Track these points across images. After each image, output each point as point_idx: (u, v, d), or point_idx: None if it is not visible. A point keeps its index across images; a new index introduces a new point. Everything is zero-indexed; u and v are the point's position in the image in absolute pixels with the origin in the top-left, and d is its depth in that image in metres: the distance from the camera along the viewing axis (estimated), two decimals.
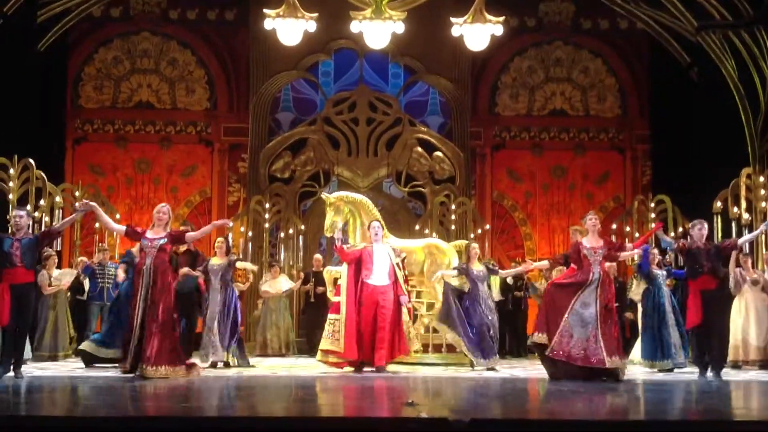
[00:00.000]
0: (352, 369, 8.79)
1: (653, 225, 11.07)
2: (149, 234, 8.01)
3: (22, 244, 7.74)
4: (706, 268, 8.41)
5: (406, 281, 9.23)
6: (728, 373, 8.74)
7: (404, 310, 9.02)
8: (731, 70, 13.43)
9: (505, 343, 12.88)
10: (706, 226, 8.72)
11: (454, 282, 9.90)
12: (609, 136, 15.85)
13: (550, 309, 8.22)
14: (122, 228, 8.39)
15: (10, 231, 8.22)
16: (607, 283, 8.22)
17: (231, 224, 9.91)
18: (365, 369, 8.81)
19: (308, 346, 12.60)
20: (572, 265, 8.49)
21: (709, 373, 8.34)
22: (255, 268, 11.42)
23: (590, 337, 7.96)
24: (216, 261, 9.71)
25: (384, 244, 9.19)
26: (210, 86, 15.75)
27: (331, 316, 8.97)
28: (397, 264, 9.03)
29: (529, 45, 16.03)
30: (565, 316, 8.04)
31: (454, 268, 9.95)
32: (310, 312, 12.76)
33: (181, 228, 10.36)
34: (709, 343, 8.46)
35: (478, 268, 9.78)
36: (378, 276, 8.91)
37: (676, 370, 9.34)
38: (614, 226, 14.48)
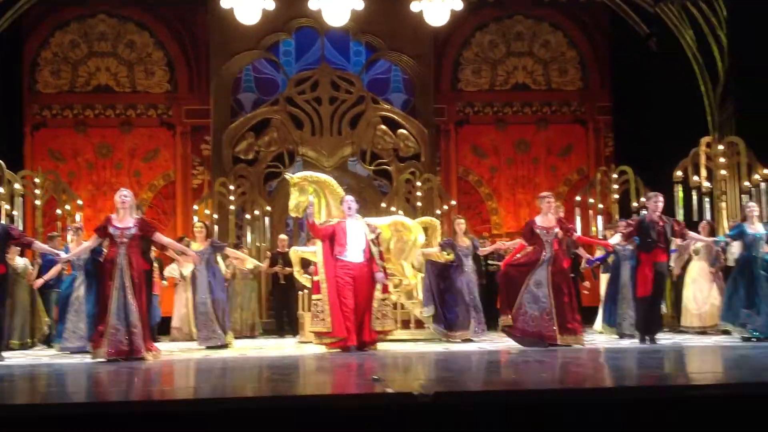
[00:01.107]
0: (346, 349, 8.38)
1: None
2: (116, 223, 7.92)
3: None
4: (659, 241, 8.62)
5: (382, 258, 8.91)
6: (673, 338, 9.14)
7: (378, 287, 8.73)
8: (690, 41, 13.57)
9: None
10: (661, 199, 8.88)
11: (439, 257, 10.06)
12: (571, 109, 15.95)
13: (507, 289, 8.58)
14: (94, 241, 8.30)
15: None
16: (559, 261, 8.51)
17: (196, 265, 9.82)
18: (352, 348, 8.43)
19: (277, 327, 12.62)
20: (522, 242, 8.84)
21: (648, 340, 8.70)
22: (247, 258, 11.37)
23: (543, 315, 8.34)
24: (196, 246, 9.70)
25: (358, 220, 8.82)
26: (170, 68, 15.55)
27: (314, 297, 8.77)
28: (373, 240, 8.69)
29: (489, 19, 16.03)
30: (520, 294, 8.41)
31: (439, 244, 10.07)
32: (279, 293, 12.76)
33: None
34: (654, 312, 8.73)
35: (464, 242, 9.91)
36: (353, 252, 8.54)
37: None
38: (578, 198, 14.62)
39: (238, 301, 12.56)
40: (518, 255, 8.92)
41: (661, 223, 8.65)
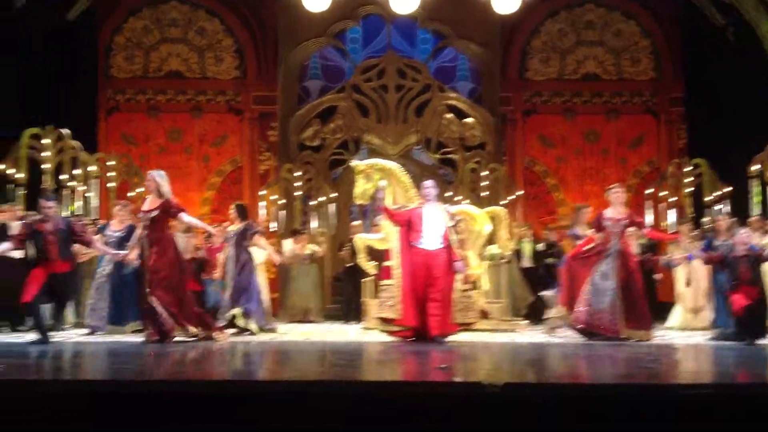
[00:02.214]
0: (413, 338, 8.07)
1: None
2: (144, 205, 8.05)
3: (58, 237, 7.85)
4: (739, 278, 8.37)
5: (462, 246, 8.39)
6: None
7: (459, 277, 8.23)
8: (766, 31, 13.11)
9: (537, 309, 12.90)
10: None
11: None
12: (643, 99, 15.62)
13: (571, 281, 8.43)
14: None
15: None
16: (627, 254, 8.31)
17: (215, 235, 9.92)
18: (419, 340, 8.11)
19: (344, 313, 12.68)
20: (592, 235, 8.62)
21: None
22: (270, 250, 11.14)
23: (608, 308, 8.16)
24: (232, 228, 9.80)
25: (436, 205, 8.29)
26: (239, 55, 15.73)
27: (383, 282, 8.50)
28: (452, 228, 8.15)
29: (560, 7, 15.79)
30: (584, 286, 8.26)
31: (569, 234, 9.72)
32: (347, 279, 12.79)
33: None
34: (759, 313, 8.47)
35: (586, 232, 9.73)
36: (429, 239, 8.05)
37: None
38: (649, 191, 14.30)
39: (294, 286, 12.67)
40: (585, 247, 8.75)
41: (744, 256, 8.30)
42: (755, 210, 12.06)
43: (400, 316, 8.02)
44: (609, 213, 8.53)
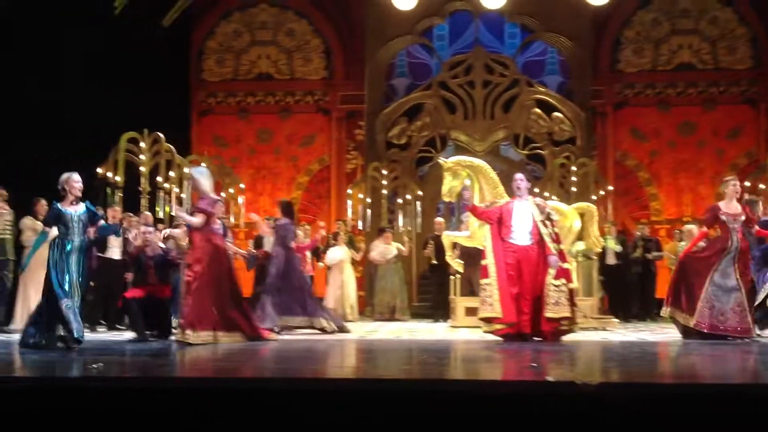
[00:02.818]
0: (518, 336, 7.82)
1: None
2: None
3: (155, 261, 8.17)
4: None
5: (557, 240, 8.10)
6: None
7: (551, 271, 7.84)
8: None
9: (630, 306, 12.66)
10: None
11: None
12: (741, 88, 15.03)
13: (685, 281, 8.01)
14: None
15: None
16: (745, 251, 7.90)
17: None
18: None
19: (431, 311, 12.66)
20: (704, 229, 8.24)
21: None
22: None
23: (735, 307, 7.76)
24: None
25: (526, 200, 8.15)
26: (326, 55, 15.89)
27: (482, 281, 8.25)
28: (544, 221, 7.98)
29: None
30: (705, 286, 7.82)
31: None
32: (433, 276, 12.78)
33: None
34: None
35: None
36: (519, 234, 7.95)
37: None
38: (747, 184, 13.74)
39: (381, 285, 12.74)
40: (701, 243, 8.33)
41: None
42: None
43: (500, 314, 7.85)
44: (724, 207, 8.06)
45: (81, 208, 7.09)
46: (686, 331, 8.04)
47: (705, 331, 7.83)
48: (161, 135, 12.81)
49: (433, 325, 11.36)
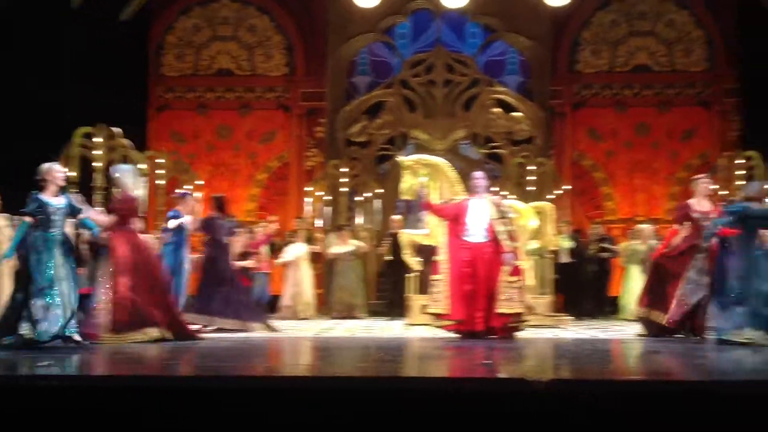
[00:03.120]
0: (463, 332, 7.95)
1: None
2: None
3: None
4: None
5: (513, 238, 8.18)
6: None
7: (506, 269, 7.90)
8: None
9: (583, 304, 12.83)
10: None
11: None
12: (695, 90, 15.29)
13: (660, 281, 8.02)
14: None
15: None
16: (714, 250, 7.74)
17: None
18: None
19: (387, 309, 12.70)
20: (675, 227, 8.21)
21: None
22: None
23: (703, 306, 7.68)
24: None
25: (483, 198, 8.22)
26: (288, 51, 15.82)
27: (433, 277, 8.37)
28: (499, 219, 8.04)
29: None
30: (680, 285, 7.81)
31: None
32: (389, 274, 12.82)
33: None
34: None
35: None
36: (475, 232, 8.01)
37: None
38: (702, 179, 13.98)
39: (338, 281, 12.73)
40: (673, 242, 8.26)
41: None
42: None
43: (448, 310, 7.94)
44: (696, 205, 8.11)
45: (63, 200, 6.89)
46: (663, 330, 7.98)
47: (672, 326, 7.86)
48: (117, 130, 12.65)
49: (389, 322, 11.40)
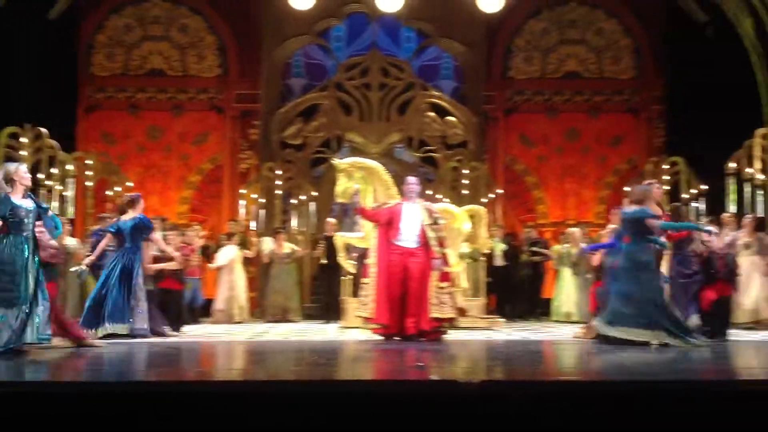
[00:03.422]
0: (388, 335, 8.00)
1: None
2: None
3: None
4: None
5: (442, 244, 8.23)
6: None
7: (435, 274, 8.05)
8: (748, 29, 13.21)
9: (516, 307, 13.03)
10: None
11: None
12: (623, 97, 15.69)
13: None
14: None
15: None
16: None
17: None
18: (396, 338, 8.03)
19: (322, 312, 12.67)
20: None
21: None
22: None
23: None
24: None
25: (416, 203, 8.25)
26: (221, 52, 15.66)
27: (362, 280, 8.42)
28: (431, 225, 8.10)
29: (543, 6, 15.82)
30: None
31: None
32: (324, 277, 12.79)
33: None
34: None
35: None
36: (407, 237, 8.03)
37: None
38: (628, 189, 14.35)
39: (274, 285, 12.66)
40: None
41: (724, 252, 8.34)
42: (731, 208, 12.15)
43: (372, 315, 8.00)
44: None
45: (30, 202, 6.55)
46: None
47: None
48: (44, 130, 12.34)
49: (324, 326, 11.37)
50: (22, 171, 6.59)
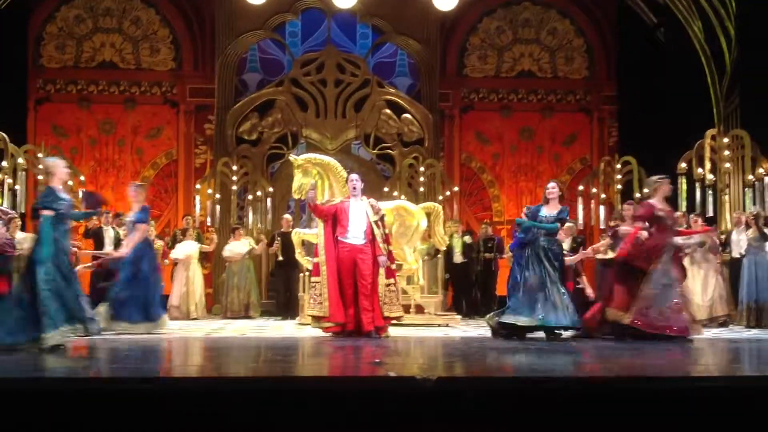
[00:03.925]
0: (344, 333, 8.03)
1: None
2: None
3: None
4: None
5: (387, 241, 8.30)
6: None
7: (381, 271, 8.14)
8: (698, 32, 13.50)
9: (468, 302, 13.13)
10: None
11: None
12: (576, 97, 15.92)
13: (624, 281, 7.82)
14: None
15: None
16: (679, 249, 7.86)
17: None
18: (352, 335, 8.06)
19: (277, 308, 12.64)
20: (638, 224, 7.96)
21: None
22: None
23: (671, 305, 7.57)
24: None
25: (361, 200, 8.30)
26: (175, 46, 15.49)
27: (312, 279, 8.42)
28: (376, 222, 8.18)
29: (497, 5, 15.96)
30: (644, 286, 7.61)
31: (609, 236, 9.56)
32: (280, 273, 12.76)
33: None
34: None
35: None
36: (354, 234, 8.08)
37: None
38: (581, 188, 14.60)
39: (234, 281, 12.59)
40: (643, 234, 7.82)
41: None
42: (682, 207, 12.41)
43: (326, 313, 8.01)
44: (659, 204, 7.93)
45: (66, 194, 6.77)
46: (617, 330, 7.77)
47: (644, 329, 7.55)
48: None
49: (281, 322, 11.34)
50: (61, 164, 6.82)
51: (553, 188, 8.26)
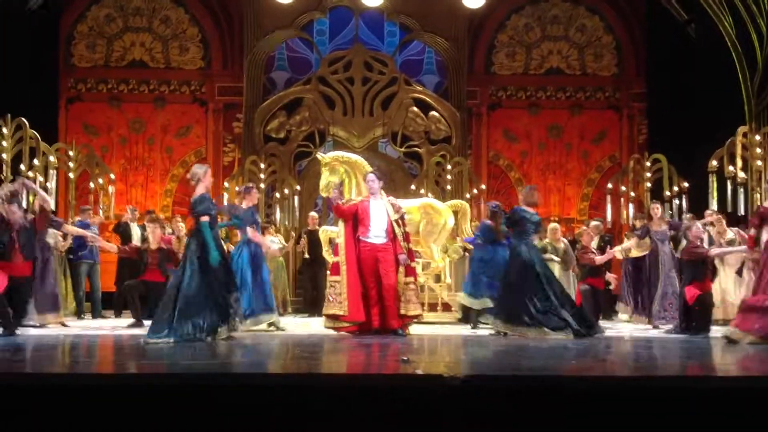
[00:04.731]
0: (359, 333, 8.01)
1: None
2: None
3: (21, 235, 7.82)
4: None
5: (407, 239, 8.29)
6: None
7: (401, 269, 8.06)
8: (729, 27, 13.33)
9: None
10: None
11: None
12: (605, 94, 15.79)
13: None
14: None
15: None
16: None
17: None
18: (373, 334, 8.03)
19: (305, 305, 12.67)
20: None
21: None
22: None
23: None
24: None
25: (381, 199, 8.25)
26: (204, 45, 15.60)
27: (331, 278, 8.34)
28: (396, 221, 8.15)
29: (525, 2, 15.88)
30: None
31: (636, 234, 9.72)
32: (307, 271, 12.79)
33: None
34: None
35: (660, 227, 9.68)
36: (375, 233, 8.04)
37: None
38: (610, 186, 14.48)
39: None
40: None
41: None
42: (713, 205, 12.26)
43: (346, 312, 7.98)
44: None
45: None
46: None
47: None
48: (24, 121, 12.24)
49: (307, 319, 11.37)
50: (209, 172, 7.45)
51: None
